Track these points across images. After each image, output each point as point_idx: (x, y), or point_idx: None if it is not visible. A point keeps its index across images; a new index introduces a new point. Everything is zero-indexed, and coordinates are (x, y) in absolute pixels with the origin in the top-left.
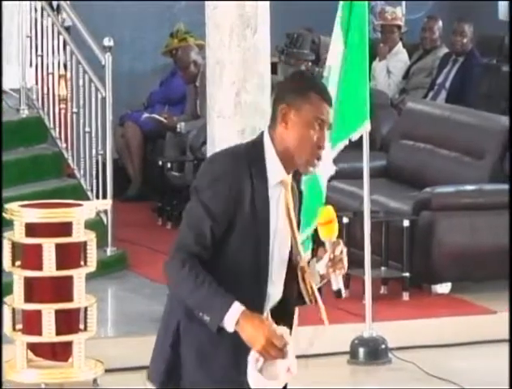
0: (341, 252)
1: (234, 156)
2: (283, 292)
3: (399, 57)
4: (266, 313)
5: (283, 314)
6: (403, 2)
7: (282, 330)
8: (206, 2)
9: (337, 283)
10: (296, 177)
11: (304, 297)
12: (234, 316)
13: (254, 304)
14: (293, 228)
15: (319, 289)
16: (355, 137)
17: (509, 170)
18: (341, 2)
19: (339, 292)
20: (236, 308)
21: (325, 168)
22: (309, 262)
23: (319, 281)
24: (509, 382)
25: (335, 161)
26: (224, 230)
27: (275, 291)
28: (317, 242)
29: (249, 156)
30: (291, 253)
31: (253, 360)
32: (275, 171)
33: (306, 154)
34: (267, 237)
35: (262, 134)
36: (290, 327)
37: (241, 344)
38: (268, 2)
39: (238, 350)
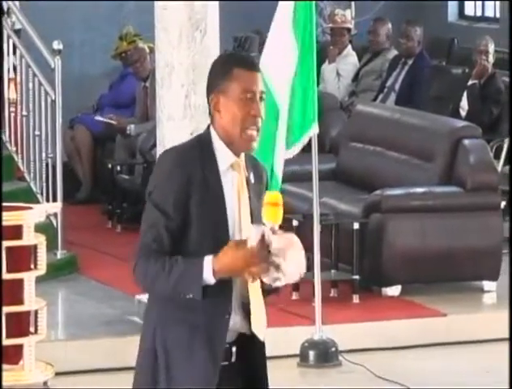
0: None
1: (178, 152)
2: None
3: (349, 60)
4: (236, 302)
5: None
6: (353, 4)
7: (252, 234)
8: (155, 3)
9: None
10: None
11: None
12: (209, 269)
13: (223, 290)
14: (240, 211)
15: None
16: (305, 140)
17: (510, 172)
18: (291, 2)
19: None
20: (207, 261)
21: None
22: None
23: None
24: (509, 383)
25: (283, 163)
26: (181, 225)
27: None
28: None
29: (197, 148)
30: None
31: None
32: (224, 156)
33: (243, 128)
34: (226, 222)
35: (208, 126)
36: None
37: (216, 335)
38: (217, 3)
39: (213, 342)
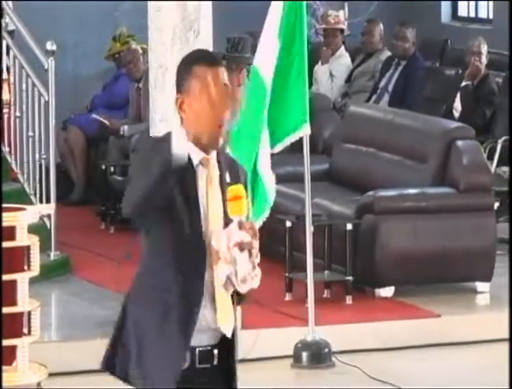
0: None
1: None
2: None
3: (342, 61)
4: (205, 301)
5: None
6: (346, 5)
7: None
8: (148, 3)
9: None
10: None
11: None
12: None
13: (193, 285)
14: (208, 206)
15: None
16: (293, 140)
17: (510, 171)
18: (280, 2)
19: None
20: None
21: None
22: None
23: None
24: (509, 383)
25: (277, 164)
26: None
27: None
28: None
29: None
30: None
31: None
32: (193, 154)
33: (209, 124)
34: (199, 216)
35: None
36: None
37: (188, 317)
38: (210, 3)
39: (185, 324)
